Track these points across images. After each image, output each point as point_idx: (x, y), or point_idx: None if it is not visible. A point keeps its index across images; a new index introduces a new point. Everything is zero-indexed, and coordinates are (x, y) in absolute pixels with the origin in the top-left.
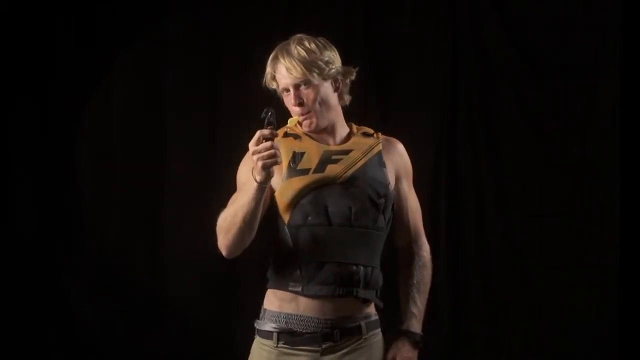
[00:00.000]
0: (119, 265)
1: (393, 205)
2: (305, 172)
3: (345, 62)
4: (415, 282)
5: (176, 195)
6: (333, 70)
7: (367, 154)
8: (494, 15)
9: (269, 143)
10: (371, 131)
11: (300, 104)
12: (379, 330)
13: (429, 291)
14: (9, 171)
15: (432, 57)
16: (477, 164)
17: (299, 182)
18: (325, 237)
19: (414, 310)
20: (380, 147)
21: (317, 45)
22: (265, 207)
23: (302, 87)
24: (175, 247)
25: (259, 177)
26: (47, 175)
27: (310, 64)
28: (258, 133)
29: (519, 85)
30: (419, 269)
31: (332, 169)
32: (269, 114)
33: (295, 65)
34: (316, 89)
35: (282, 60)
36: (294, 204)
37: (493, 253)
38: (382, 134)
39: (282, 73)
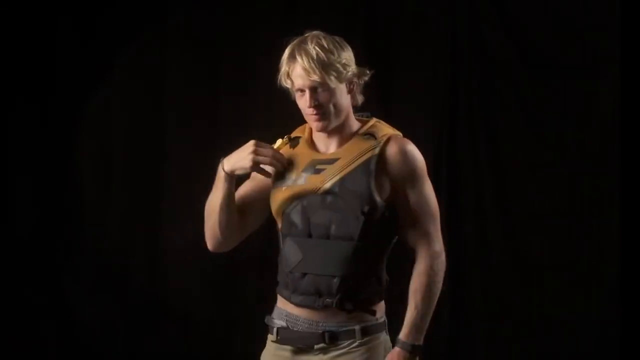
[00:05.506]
0: (119, 265)
1: (384, 213)
2: (287, 183)
3: None
4: (417, 287)
5: (176, 195)
6: (350, 73)
7: (355, 161)
8: (493, 16)
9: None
10: (382, 132)
11: (316, 106)
12: (380, 334)
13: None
14: (8, 171)
15: (432, 57)
16: (477, 164)
17: (281, 193)
18: (305, 248)
19: (411, 318)
20: (376, 151)
21: (334, 46)
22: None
23: (319, 90)
24: (175, 247)
25: (239, 170)
26: (47, 175)
27: (328, 67)
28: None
29: (519, 86)
30: (422, 274)
31: (311, 180)
32: None
33: (314, 67)
34: (332, 92)
35: (299, 59)
36: (280, 213)
37: (493, 253)
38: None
39: (298, 73)
